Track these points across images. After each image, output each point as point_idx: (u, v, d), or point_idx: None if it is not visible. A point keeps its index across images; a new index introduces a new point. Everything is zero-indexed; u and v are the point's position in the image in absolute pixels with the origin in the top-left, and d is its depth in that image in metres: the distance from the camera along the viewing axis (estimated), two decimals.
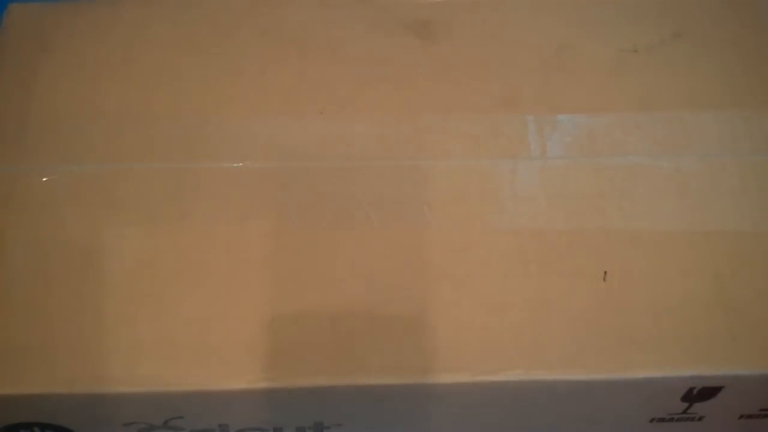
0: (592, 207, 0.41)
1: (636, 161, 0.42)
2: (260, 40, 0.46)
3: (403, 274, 0.39)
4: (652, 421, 0.42)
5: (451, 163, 0.42)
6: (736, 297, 0.39)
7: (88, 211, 0.40)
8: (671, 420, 0.41)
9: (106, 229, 0.40)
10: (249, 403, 0.38)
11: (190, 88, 0.44)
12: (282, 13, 0.47)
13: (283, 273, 0.39)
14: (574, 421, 0.41)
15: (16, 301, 0.38)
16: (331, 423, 0.40)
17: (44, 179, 0.41)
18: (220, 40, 0.46)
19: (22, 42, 0.46)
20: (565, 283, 0.39)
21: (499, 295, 0.39)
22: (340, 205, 0.41)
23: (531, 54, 0.45)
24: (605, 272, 0.39)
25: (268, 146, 0.42)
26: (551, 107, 0.44)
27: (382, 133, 0.43)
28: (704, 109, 0.44)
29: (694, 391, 0.39)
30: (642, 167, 0.42)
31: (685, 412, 0.41)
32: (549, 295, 0.39)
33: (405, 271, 0.39)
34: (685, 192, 0.41)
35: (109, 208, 0.40)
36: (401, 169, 0.42)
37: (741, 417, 0.42)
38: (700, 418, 0.41)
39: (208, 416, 0.39)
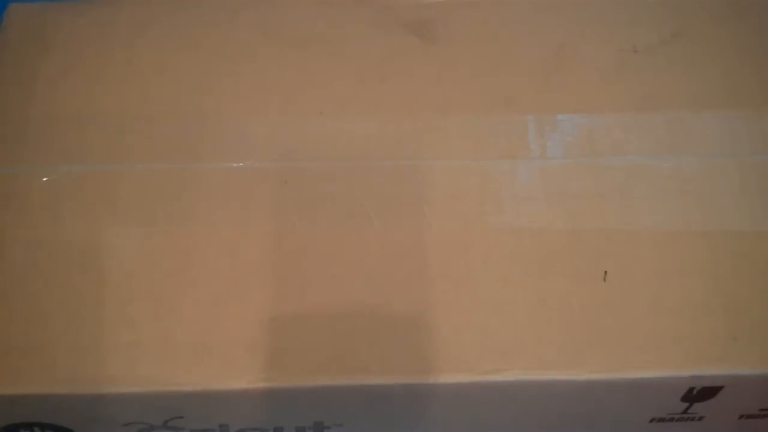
0: (592, 207, 0.41)
1: (636, 161, 0.42)
2: (260, 40, 0.46)
3: (403, 274, 0.39)
4: (652, 421, 0.42)
5: (451, 163, 0.42)
6: (736, 297, 0.39)
7: (88, 211, 0.40)
8: (671, 420, 0.41)
9: (106, 229, 0.40)
10: (249, 403, 0.38)
11: (190, 87, 0.44)
12: (282, 13, 0.47)
13: (283, 273, 0.39)
14: (574, 421, 0.41)
15: (16, 301, 0.38)
16: (331, 423, 0.40)
17: (44, 179, 0.41)
18: (220, 40, 0.46)
19: (22, 42, 0.46)
20: (565, 283, 0.39)
21: (499, 295, 0.39)
22: (340, 204, 0.41)
23: (531, 54, 0.45)
24: (605, 272, 0.39)
25: (268, 146, 0.42)
26: (551, 107, 0.44)
27: (382, 133, 0.43)
28: (704, 109, 0.44)
29: (694, 391, 0.39)
30: (642, 167, 0.42)
31: (685, 412, 0.41)
32: (549, 295, 0.39)
33: (405, 271, 0.39)
34: (685, 192, 0.41)
35: (109, 208, 0.40)
36: (401, 169, 0.42)
37: (741, 417, 0.42)
38: (700, 418, 0.41)
39: (208, 416, 0.39)
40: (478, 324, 0.38)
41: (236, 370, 0.37)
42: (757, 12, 0.47)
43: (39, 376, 0.37)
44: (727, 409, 0.41)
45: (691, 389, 0.39)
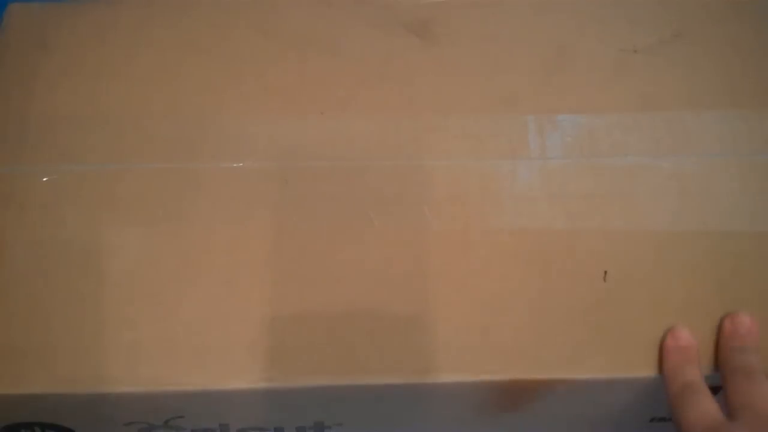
0: (592, 207, 0.41)
1: (636, 161, 0.42)
2: (260, 40, 0.46)
3: (403, 275, 0.39)
4: (652, 420, 0.42)
5: (451, 163, 0.42)
6: (736, 297, 0.39)
7: (88, 211, 0.40)
8: (671, 420, 0.41)
9: (106, 229, 0.40)
10: (249, 402, 0.38)
11: (190, 88, 0.44)
12: (282, 13, 0.47)
13: (283, 273, 0.39)
14: (574, 421, 0.41)
15: (16, 301, 0.38)
16: (332, 423, 0.40)
17: (44, 179, 0.41)
18: (220, 40, 0.46)
19: (22, 42, 0.46)
20: (565, 284, 0.39)
21: (499, 295, 0.39)
22: (340, 205, 0.41)
23: (531, 54, 0.45)
24: (605, 272, 0.39)
25: (268, 146, 0.42)
26: (551, 107, 0.44)
27: (383, 133, 0.43)
28: (704, 109, 0.44)
29: None
30: (642, 167, 0.42)
31: None
32: (549, 295, 0.39)
33: (405, 271, 0.39)
34: (685, 192, 0.41)
35: (109, 208, 0.40)
36: (401, 169, 0.42)
37: None
38: None
39: (209, 416, 0.39)
40: (478, 324, 0.38)
41: (236, 370, 0.37)
42: (757, 12, 0.47)
43: (39, 376, 0.37)
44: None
45: None
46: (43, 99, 0.43)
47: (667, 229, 0.40)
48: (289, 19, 0.47)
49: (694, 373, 0.37)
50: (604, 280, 0.39)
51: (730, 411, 0.35)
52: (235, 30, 0.46)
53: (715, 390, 0.39)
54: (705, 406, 0.35)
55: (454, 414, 0.40)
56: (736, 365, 0.37)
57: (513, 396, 0.39)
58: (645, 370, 0.38)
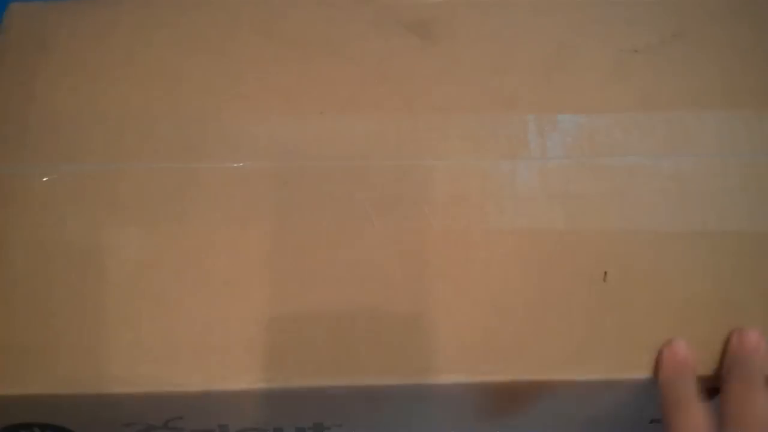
0: (592, 207, 0.41)
1: (636, 161, 0.42)
2: (261, 41, 0.46)
3: (403, 275, 0.39)
4: (652, 422, 0.42)
5: (451, 163, 0.42)
6: (736, 297, 0.39)
7: (88, 211, 0.40)
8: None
9: (106, 229, 0.40)
10: (249, 403, 0.38)
11: (190, 88, 0.44)
12: (282, 14, 0.47)
13: (283, 273, 0.39)
14: (574, 421, 0.41)
15: (17, 301, 0.38)
16: (331, 423, 0.40)
17: (44, 179, 0.41)
18: (221, 40, 0.46)
19: (22, 42, 0.46)
20: (565, 284, 0.39)
21: (499, 295, 0.39)
22: (341, 205, 0.41)
23: (531, 54, 0.45)
24: (605, 273, 0.39)
25: (268, 146, 0.42)
26: (551, 107, 0.43)
27: (383, 133, 0.43)
28: (704, 109, 0.44)
29: None
30: (642, 167, 0.42)
31: None
32: (549, 295, 0.39)
33: (405, 271, 0.39)
34: (685, 192, 0.41)
35: (109, 208, 0.40)
36: (401, 169, 0.42)
37: None
38: None
39: (208, 416, 0.39)
40: (478, 324, 0.38)
41: (236, 371, 0.37)
42: (757, 12, 0.47)
43: (39, 376, 0.37)
44: None
45: None
46: (43, 99, 0.43)
47: (667, 230, 0.40)
48: (290, 19, 0.47)
49: (688, 387, 0.36)
50: (604, 280, 0.39)
51: (722, 418, 0.35)
52: (236, 30, 0.46)
53: (715, 391, 0.39)
54: (695, 418, 0.35)
55: (453, 414, 0.40)
56: (736, 373, 0.36)
57: (512, 397, 0.39)
58: (645, 371, 0.38)
